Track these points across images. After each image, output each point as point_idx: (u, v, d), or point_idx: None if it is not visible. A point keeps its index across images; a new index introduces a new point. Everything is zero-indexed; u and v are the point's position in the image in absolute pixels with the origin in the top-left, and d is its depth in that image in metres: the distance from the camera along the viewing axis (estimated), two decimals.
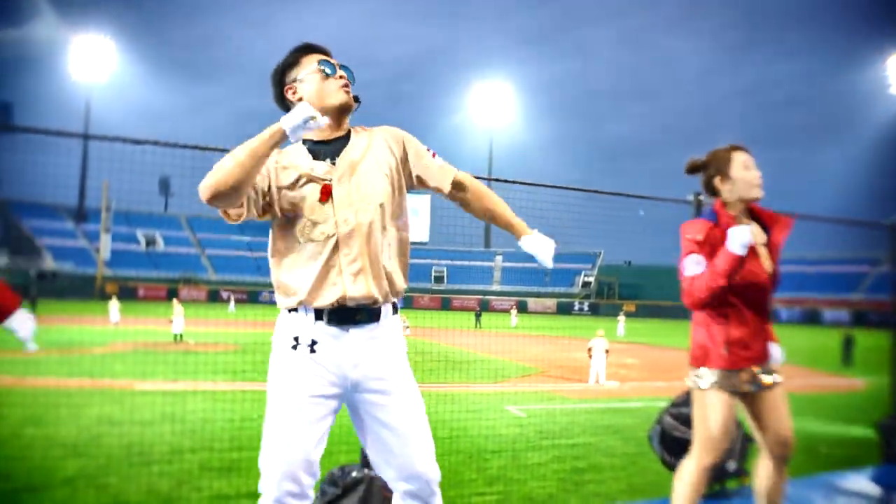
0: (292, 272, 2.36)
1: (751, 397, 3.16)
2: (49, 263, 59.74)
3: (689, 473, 3.16)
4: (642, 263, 67.51)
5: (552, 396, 12.72)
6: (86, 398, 9.75)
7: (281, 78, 2.50)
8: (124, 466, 6.43)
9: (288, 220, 2.36)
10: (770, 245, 3.20)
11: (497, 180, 5.53)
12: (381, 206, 2.37)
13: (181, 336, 19.84)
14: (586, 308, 62.15)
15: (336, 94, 2.42)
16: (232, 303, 44.36)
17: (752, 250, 3.07)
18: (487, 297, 61.98)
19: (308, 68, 2.44)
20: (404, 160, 2.49)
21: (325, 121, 2.27)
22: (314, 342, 2.32)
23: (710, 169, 3.25)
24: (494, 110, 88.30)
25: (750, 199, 3.16)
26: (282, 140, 2.22)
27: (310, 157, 2.40)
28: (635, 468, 7.12)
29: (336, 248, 2.31)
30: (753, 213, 3.25)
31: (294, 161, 2.39)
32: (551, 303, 63.08)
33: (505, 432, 8.76)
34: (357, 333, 2.34)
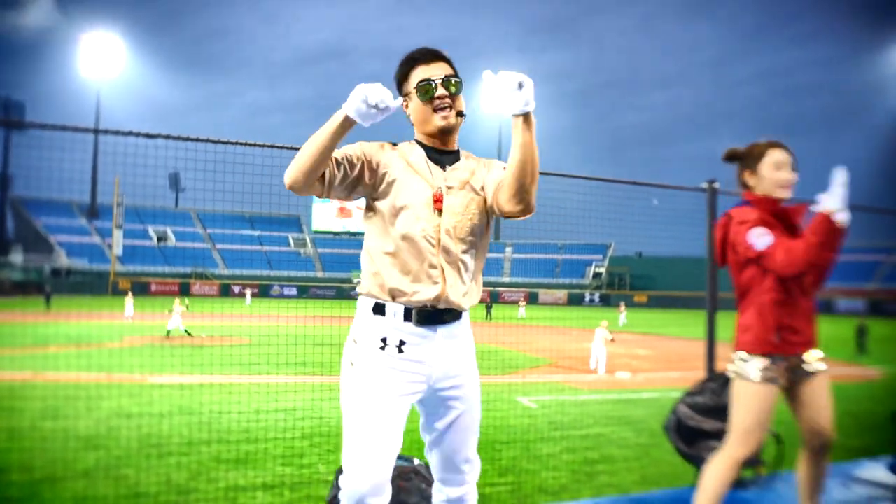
0: (392, 264, 2.38)
1: (792, 384, 3.12)
2: (63, 260, 60.12)
3: (721, 465, 3.09)
4: (654, 254, 67.27)
5: (563, 387, 12.71)
6: (102, 391, 9.82)
7: (399, 89, 2.53)
8: (141, 458, 6.48)
9: (390, 209, 2.39)
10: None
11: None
12: (476, 223, 2.46)
13: (170, 332, 19.47)
14: (597, 299, 62.05)
15: (432, 121, 2.44)
16: (248, 297, 45.84)
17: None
18: (497, 288, 61.93)
19: (412, 85, 2.46)
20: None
21: (397, 102, 2.23)
22: (402, 342, 2.37)
23: (743, 162, 3.23)
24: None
25: (774, 198, 3.11)
26: (349, 126, 2.20)
27: (427, 161, 2.45)
28: (648, 459, 7.12)
29: (439, 249, 2.37)
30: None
31: (412, 159, 2.45)
32: (562, 294, 62.99)
33: (516, 423, 8.77)
34: (442, 332, 2.42)
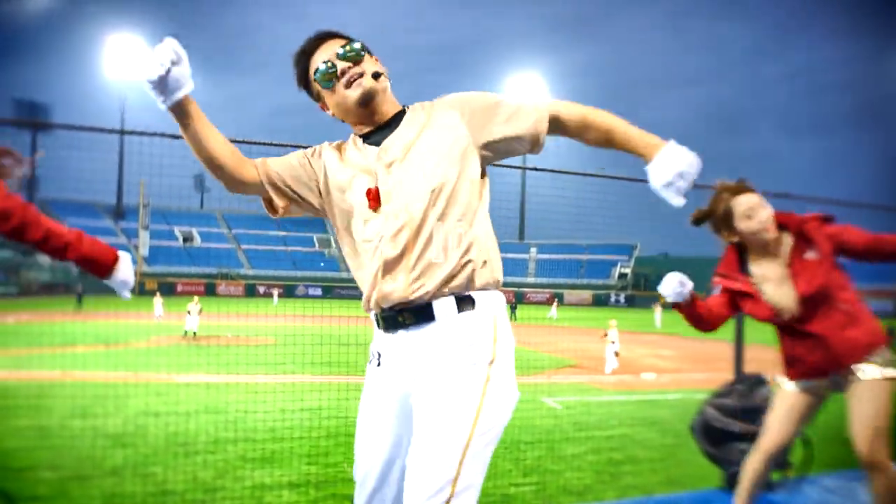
0: (358, 274, 2.16)
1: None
2: None
3: (750, 457, 3.28)
4: (680, 254, 66.73)
5: (588, 388, 12.66)
6: (130, 390, 9.93)
7: (309, 93, 2.27)
8: (168, 456, 6.55)
9: (345, 219, 2.15)
10: (799, 263, 3.06)
11: (531, 169, 5.52)
12: (435, 191, 2.00)
13: (194, 333, 19.48)
14: (623, 300, 61.72)
15: (349, 97, 2.11)
16: (275, 296, 46.49)
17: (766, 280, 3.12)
18: (522, 289, 61.80)
19: (314, 79, 2.20)
20: (474, 129, 2.10)
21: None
22: (380, 354, 2.13)
23: (714, 224, 3.20)
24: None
25: (760, 244, 3.10)
26: (176, 112, 1.97)
27: (363, 148, 2.14)
28: (673, 460, 7.06)
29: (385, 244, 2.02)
30: (786, 226, 3.11)
31: (349, 157, 2.16)
32: (587, 294, 62.72)
33: (540, 424, 8.74)
34: (406, 338, 2.03)
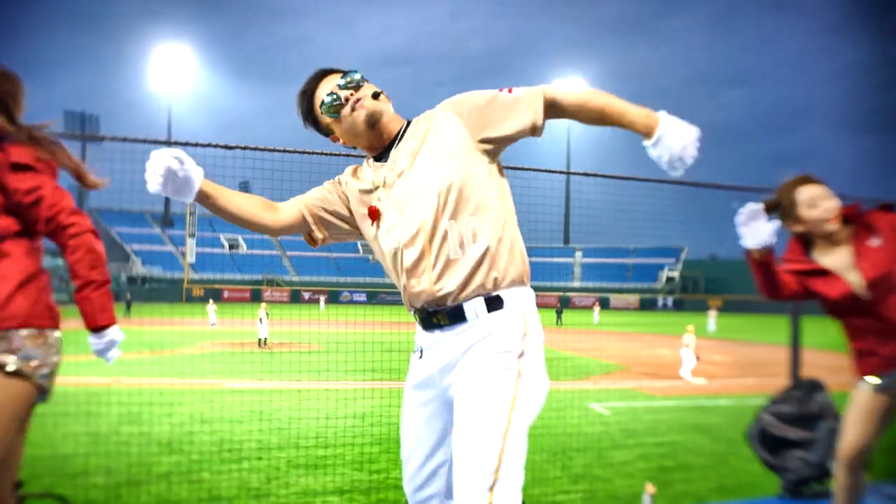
0: (393, 280, 2.32)
1: None
2: (138, 268, 62.10)
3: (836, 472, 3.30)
4: (729, 257, 65.66)
5: (636, 394, 12.50)
6: (178, 397, 10.06)
7: (318, 130, 2.44)
8: (216, 462, 6.60)
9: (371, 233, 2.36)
10: (863, 249, 3.08)
11: (577, 174, 5.45)
12: (442, 193, 2.12)
13: (265, 340, 19.62)
14: (670, 304, 60.93)
15: (356, 119, 2.28)
16: (322, 302, 47.22)
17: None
18: (568, 293, 61.39)
19: (320, 112, 2.36)
20: (472, 127, 2.20)
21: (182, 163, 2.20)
22: (422, 349, 2.29)
23: (780, 212, 3.23)
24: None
25: (823, 233, 3.12)
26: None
27: (374, 166, 2.34)
28: (726, 468, 6.91)
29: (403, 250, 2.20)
30: (855, 219, 3.14)
31: (364, 176, 2.36)
32: (634, 298, 62.08)
33: (589, 430, 8.64)
34: (442, 337, 2.18)
